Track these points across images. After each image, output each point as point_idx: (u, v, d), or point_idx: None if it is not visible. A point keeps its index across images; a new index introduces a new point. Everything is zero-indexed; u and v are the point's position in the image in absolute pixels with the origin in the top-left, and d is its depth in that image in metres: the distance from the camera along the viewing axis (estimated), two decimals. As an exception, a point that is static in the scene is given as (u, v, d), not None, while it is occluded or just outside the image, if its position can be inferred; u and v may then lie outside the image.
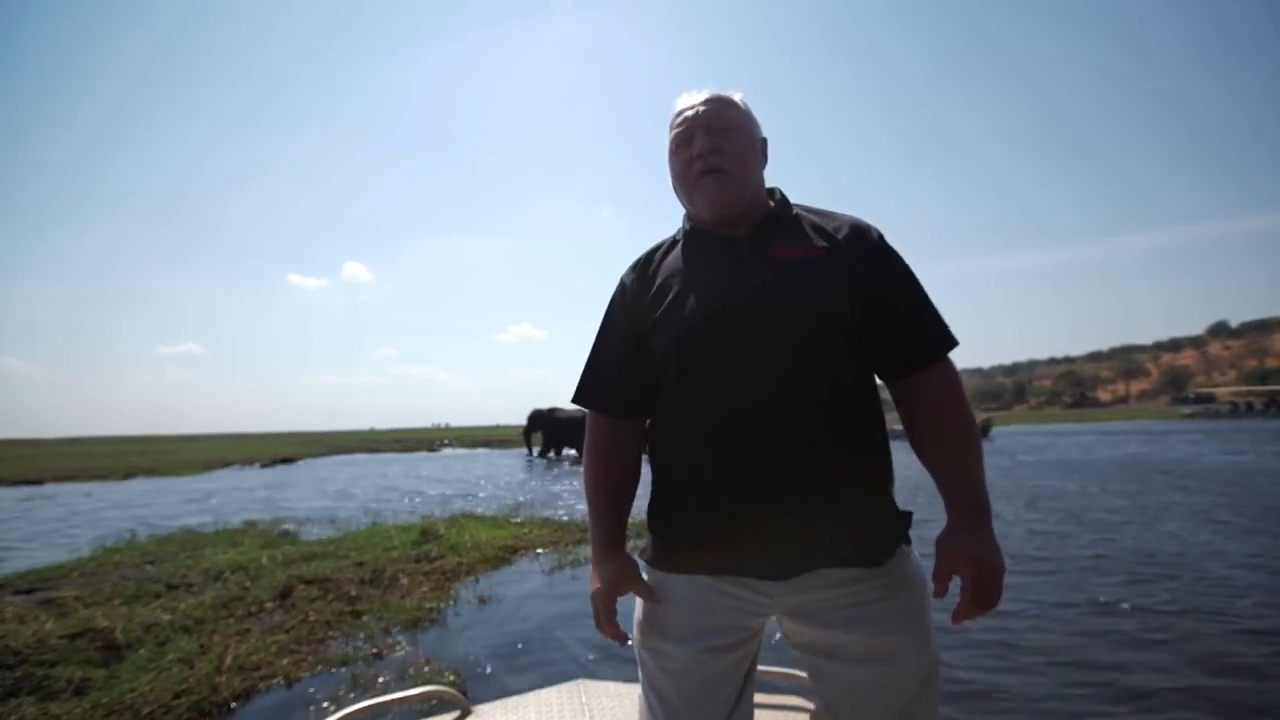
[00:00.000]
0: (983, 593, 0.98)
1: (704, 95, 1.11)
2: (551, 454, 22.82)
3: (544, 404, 23.40)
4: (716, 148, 1.06)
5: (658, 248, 1.18)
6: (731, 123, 1.08)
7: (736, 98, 1.12)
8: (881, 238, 1.08)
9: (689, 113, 1.10)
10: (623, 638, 1.12)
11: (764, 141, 1.14)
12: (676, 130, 1.11)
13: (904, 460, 1.08)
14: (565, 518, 8.43)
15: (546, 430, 22.94)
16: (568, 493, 12.00)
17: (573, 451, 22.61)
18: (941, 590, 1.02)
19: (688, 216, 1.16)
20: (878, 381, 1.09)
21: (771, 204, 1.12)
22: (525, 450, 24.57)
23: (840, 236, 1.05)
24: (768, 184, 1.16)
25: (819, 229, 1.07)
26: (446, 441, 43.56)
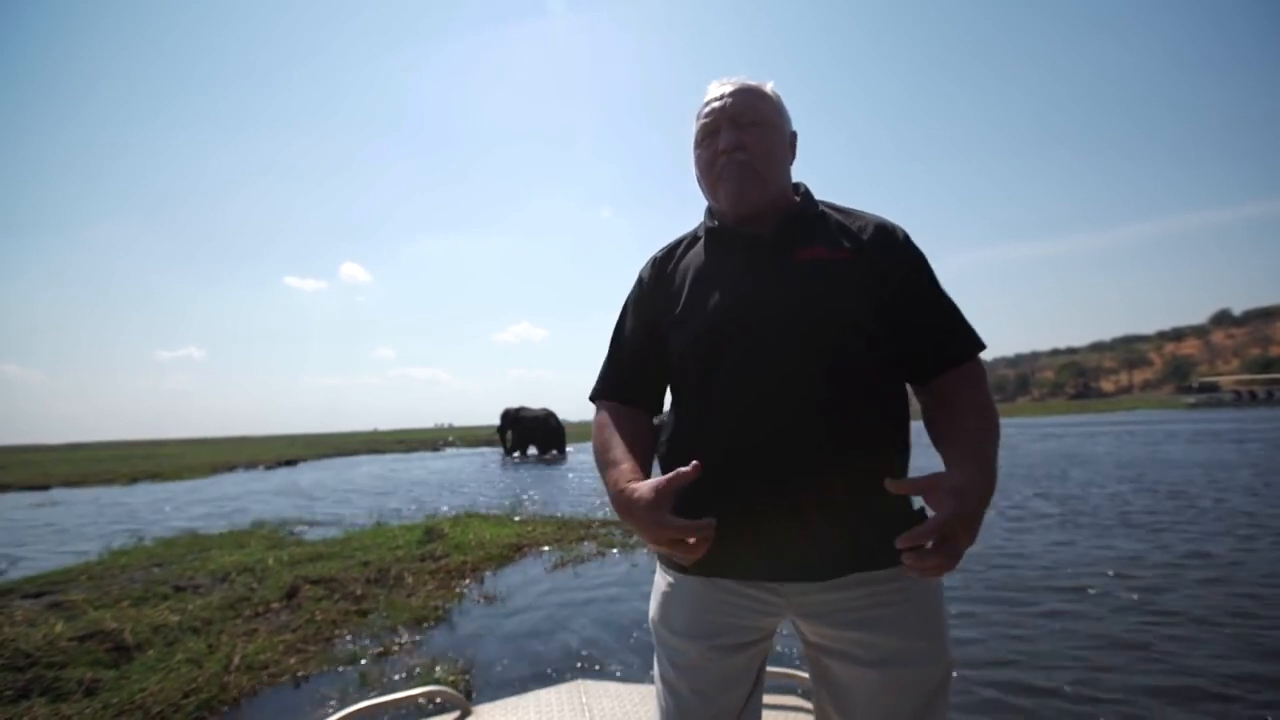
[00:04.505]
0: (953, 538, 0.81)
1: (733, 85, 1.08)
2: (518, 453, 23.87)
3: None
4: (742, 143, 1.04)
5: (678, 243, 1.16)
6: (761, 116, 1.05)
7: (768, 88, 1.09)
8: (907, 238, 1.06)
9: (716, 104, 1.07)
10: (690, 527, 0.85)
11: (794, 136, 1.11)
12: (703, 121, 1.09)
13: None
14: (563, 514, 8.47)
15: (514, 429, 23.98)
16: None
17: (534, 450, 23.94)
18: (901, 484, 0.85)
19: (710, 213, 1.13)
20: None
21: (796, 199, 1.10)
22: (501, 449, 25.72)
23: (864, 238, 1.03)
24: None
25: (843, 229, 1.05)
26: (451, 441, 43.55)
